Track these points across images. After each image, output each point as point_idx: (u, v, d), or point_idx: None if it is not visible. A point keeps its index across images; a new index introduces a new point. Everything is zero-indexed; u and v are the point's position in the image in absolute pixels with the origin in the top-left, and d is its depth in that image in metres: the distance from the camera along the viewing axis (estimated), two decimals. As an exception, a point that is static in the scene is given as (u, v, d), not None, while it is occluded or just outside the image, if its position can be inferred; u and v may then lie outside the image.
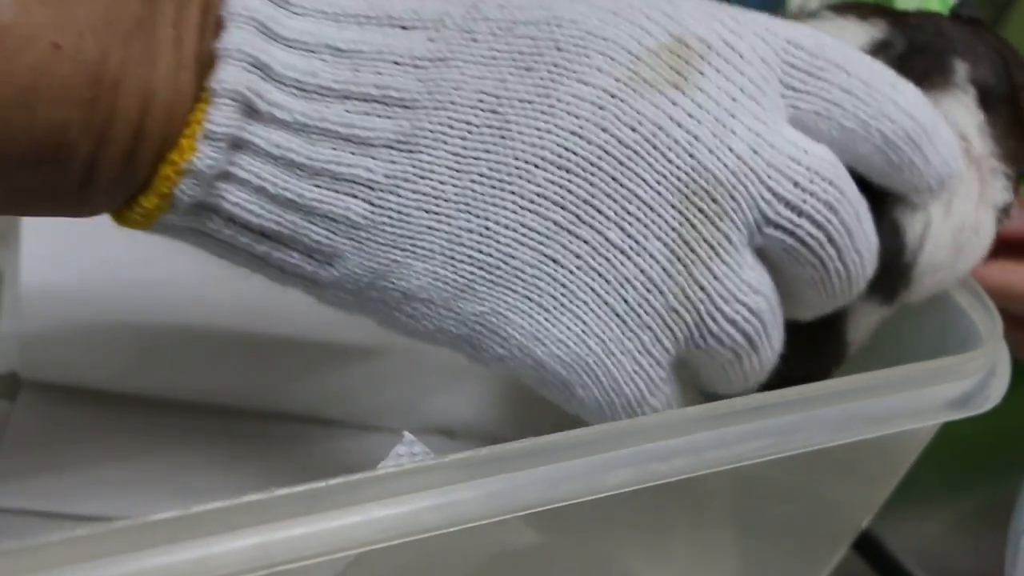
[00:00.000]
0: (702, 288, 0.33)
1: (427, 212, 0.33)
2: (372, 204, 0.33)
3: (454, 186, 0.33)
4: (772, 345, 0.35)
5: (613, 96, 0.33)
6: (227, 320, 0.48)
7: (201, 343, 0.48)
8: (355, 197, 0.33)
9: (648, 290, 0.33)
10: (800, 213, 0.33)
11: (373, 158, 0.33)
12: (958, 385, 0.36)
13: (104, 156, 0.31)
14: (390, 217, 0.33)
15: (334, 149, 0.32)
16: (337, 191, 0.33)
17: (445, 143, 0.33)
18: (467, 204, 0.33)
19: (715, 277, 0.33)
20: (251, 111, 0.32)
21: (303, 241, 0.33)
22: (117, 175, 0.32)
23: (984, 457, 0.56)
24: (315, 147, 0.32)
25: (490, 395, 0.49)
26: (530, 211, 0.33)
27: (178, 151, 0.32)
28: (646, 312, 0.34)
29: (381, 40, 0.33)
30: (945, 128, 0.35)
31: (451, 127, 0.33)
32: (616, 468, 0.32)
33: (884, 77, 0.34)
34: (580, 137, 0.33)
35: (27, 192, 0.32)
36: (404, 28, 0.33)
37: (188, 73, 0.32)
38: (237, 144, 0.32)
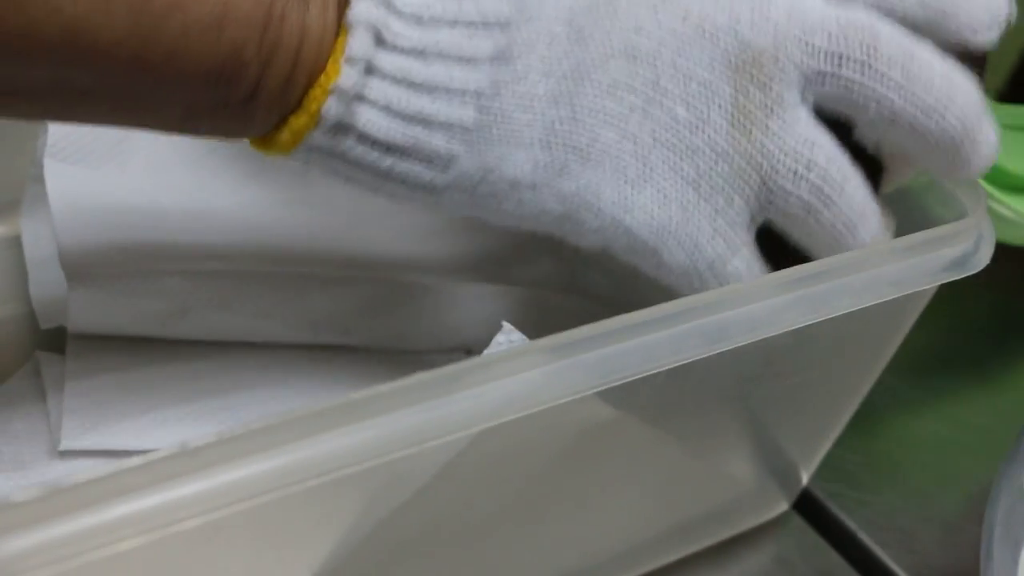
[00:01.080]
0: (762, 147, 0.38)
1: (525, 109, 0.38)
2: (480, 110, 0.37)
3: (545, 85, 0.37)
4: (848, 199, 0.39)
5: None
6: (260, 260, 0.50)
7: (237, 284, 0.50)
8: (466, 105, 0.37)
9: (715, 157, 0.38)
10: (840, 57, 0.38)
11: (478, 71, 0.37)
12: (954, 249, 0.41)
13: (269, 77, 0.36)
14: (496, 118, 0.37)
15: (446, 68, 0.37)
16: (451, 102, 0.37)
17: (535, 51, 0.37)
18: (556, 98, 0.38)
19: (773, 135, 0.38)
20: (380, 40, 0.36)
21: (424, 150, 0.38)
22: (277, 95, 0.36)
23: (961, 454, 0.59)
24: (431, 68, 0.37)
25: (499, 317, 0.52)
26: (608, 97, 0.38)
27: (325, 75, 0.36)
28: (716, 176, 0.38)
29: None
30: None
31: (538, 37, 0.37)
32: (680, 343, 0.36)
33: None
34: (641, 31, 0.38)
35: (202, 107, 0.36)
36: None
37: (332, 11, 0.36)
38: (369, 69, 0.37)
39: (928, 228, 0.41)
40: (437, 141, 0.38)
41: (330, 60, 0.36)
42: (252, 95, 0.36)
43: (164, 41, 0.34)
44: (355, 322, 0.52)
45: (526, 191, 0.39)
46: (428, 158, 0.38)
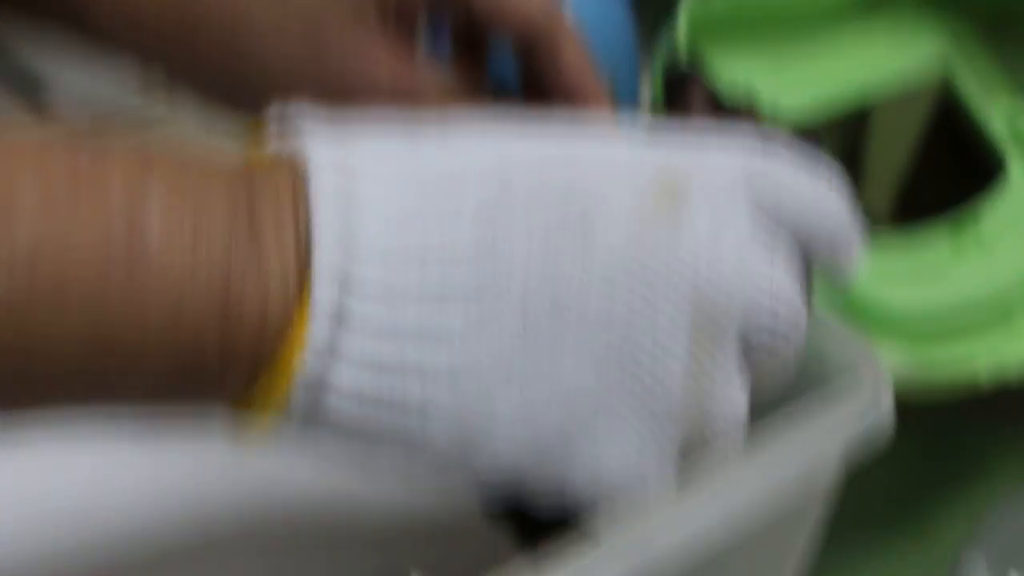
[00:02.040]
0: (708, 410, 0.38)
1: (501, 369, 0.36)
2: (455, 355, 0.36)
3: (522, 342, 0.36)
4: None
5: (626, 243, 0.36)
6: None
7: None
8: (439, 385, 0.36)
9: (670, 415, 0.37)
10: (774, 332, 0.38)
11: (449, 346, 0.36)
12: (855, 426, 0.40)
13: (231, 367, 0.34)
14: (475, 362, 0.36)
15: (416, 347, 0.35)
16: (423, 383, 0.36)
17: (507, 324, 0.36)
18: (529, 373, 0.36)
19: (717, 396, 0.38)
20: (343, 321, 0.35)
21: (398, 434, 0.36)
22: (241, 386, 0.35)
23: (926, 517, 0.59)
24: (400, 349, 0.35)
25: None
26: (588, 342, 0.36)
27: (287, 363, 0.35)
28: (671, 429, 0.37)
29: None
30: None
31: (509, 296, 0.36)
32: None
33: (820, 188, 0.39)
34: (614, 299, 0.36)
35: (163, 398, 0.35)
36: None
37: (292, 286, 0.35)
38: (334, 352, 0.35)
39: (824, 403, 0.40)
40: (416, 392, 0.36)
41: (295, 349, 0.35)
42: (215, 385, 0.35)
43: (121, 342, 0.33)
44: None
45: (501, 440, 0.37)
46: (406, 410, 0.36)
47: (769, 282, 0.38)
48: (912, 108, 0.73)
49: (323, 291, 0.34)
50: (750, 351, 0.38)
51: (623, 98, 0.63)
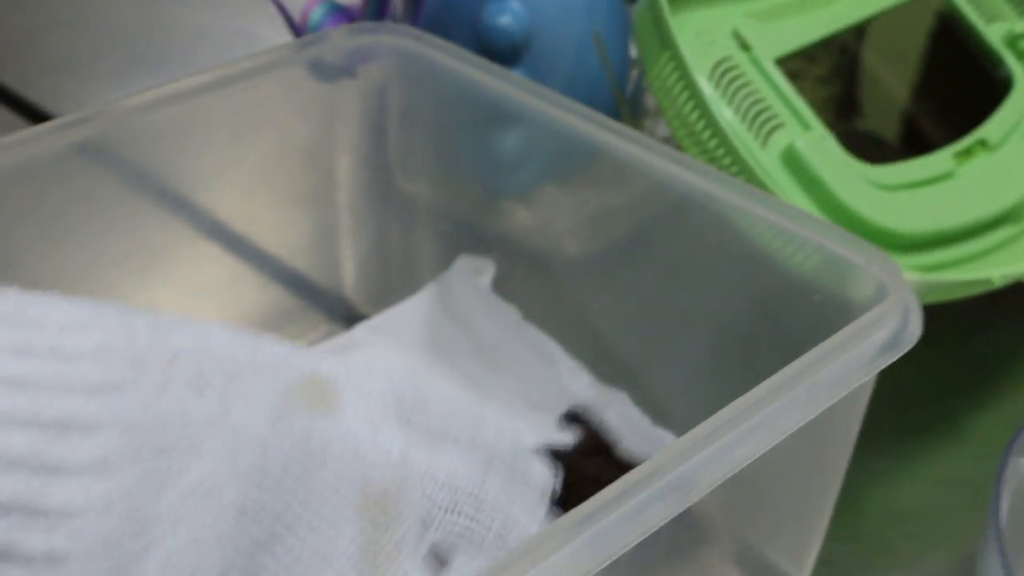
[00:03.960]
0: None
1: (136, 537, 0.32)
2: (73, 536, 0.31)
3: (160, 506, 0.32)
4: None
5: (280, 417, 0.35)
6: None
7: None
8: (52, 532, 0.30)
9: None
10: (452, 510, 0.38)
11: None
12: (883, 332, 0.41)
13: None
14: (96, 546, 0.31)
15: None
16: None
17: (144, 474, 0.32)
18: (176, 520, 0.33)
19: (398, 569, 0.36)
20: None
21: None
22: None
23: (948, 514, 0.59)
24: None
25: None
26: (231, 525, 0.33)
27: None
28: None
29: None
30: None
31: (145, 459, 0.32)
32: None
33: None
34: (265, 451, 0.34)
35: None
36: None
37: None
38: None
39: (853, 314, 0.41)
40: None
41: None
42: None
43: None
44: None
45: None
46: None
47: (435, 468, 0.38)
48: (912, 21, 0.73)
49: None
50: (440, 533, 0.38)
51: (611, 56, 0.64)
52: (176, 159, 0.56)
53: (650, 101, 0.68)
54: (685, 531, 0.40)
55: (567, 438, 0.49)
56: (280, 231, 0.62)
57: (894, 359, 0.41)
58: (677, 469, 0.35)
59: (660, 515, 0.35)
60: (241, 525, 0.33)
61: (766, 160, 0.58)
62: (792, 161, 0.58)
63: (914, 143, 0.73)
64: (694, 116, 0.59)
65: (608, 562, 0.33)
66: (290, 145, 0.60)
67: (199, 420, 0.33)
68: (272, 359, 0.36)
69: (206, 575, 0.33)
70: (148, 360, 0.33)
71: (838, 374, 0.39)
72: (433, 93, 0.59)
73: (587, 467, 0.48)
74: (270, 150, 0.59)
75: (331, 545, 0.35)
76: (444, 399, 0.41)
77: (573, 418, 0.53)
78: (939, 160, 0.62)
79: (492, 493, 0.39)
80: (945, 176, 0.62)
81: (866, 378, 0.40)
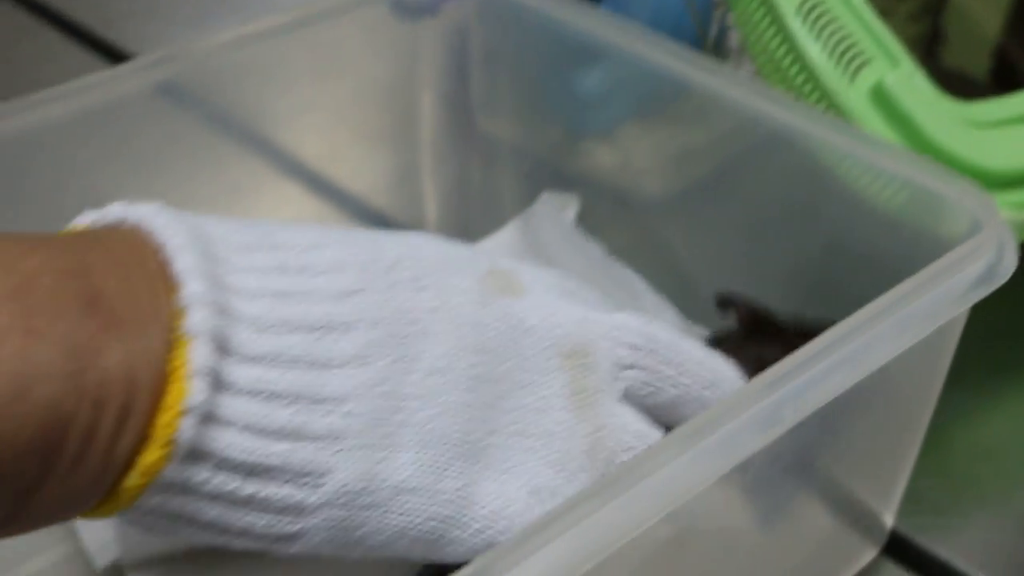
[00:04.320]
0: (600, 424, 0.40)
1: (395, 410, 0.37)
2: (348, 416, 0.36)
3: (409, 385, 0.37)
4: None
5: (483, 302, 0.39)
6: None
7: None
8: (331, 413, 0.36)
9: (566, 438, 0.39)
10: (634, 363, 0.41)
11: (339, 376, 0.36)
12: (978, 265, 0.40)
13: (102, 420, 0.32)
14: (367, 423, 0.36)
15: (304, 374, 0.35)
16: (315, 411, 0.35)
17: (390, 352, 0.37)
18: (422, 396, 0.37)
19: (607, 413, 0.40)
20: (225, 350, 0.34)
21: (293, 467, 0.35)
22: (115, 436, 0.32)
23: None
24: (288, 375, 0.35)
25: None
26: (469, 392, 0.38)
27: (170, 398, 0.33)
28: (573, 456, 0.39)
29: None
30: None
31: (389, 339, 0.37)
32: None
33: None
34: (480, 328, 0.39)
35: (30, 483, 0.31)
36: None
37: (158, 330, 0.33)
38: (219, 384, 0.34)
39: (945, 249, 0.41)
40: (308, 454, 0.35)
41: (172, 381, 0.33)
42: (83, 451, 0.32)
43: None
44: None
45: (409, 496, 0.37)
46: (298, 474, 0.35)
47: (618, 319, 0.41)
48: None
49: (200, 354, 0.33)
50: (633, 384, 0.41)
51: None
52: (258, 99, 0.56)
53: (733, 41, 0.67)
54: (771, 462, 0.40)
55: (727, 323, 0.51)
56: (362, 171, 0.62)
57: (988, 292, 0.41)
58: (768, 398, 0.35)
59: (749, 446, 0.35)
60: (474, 391, 0.38)
61: (854, 97, 0.57)
62: (881, 98, 0.57)
63: (1004, 80, 0.71)
64: (781, 51, 0.58)
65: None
66: (372, 85, 0.60)
67: (426, 310, 0.38)
68: (462, 257, 0.41)
69: (453, 437, 0.38)
70: (374, 268, 0.38)
71: (930, 306, 0.39)
72: (515, 31, 0.59)
73: (748, 348, 0.48)
74: (351, 90, 0.59)
75: (547, 395, 0.40)
76: (593, 289, 0.45)
77: (725, 303, 0.53)
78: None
79: (665, 345, 0.42)
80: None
81: (959, 311, 0.40)
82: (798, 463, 0.43)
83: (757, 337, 0.50)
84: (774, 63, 0.58)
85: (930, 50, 0.75)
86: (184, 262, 0.34)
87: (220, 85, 0.54)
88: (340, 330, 0.36)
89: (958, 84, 0.66)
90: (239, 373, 0.34)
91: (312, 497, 0.35)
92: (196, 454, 0.33)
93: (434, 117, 0.62)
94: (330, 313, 0.36)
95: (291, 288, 0.36)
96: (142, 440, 0.32)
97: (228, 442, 0.34)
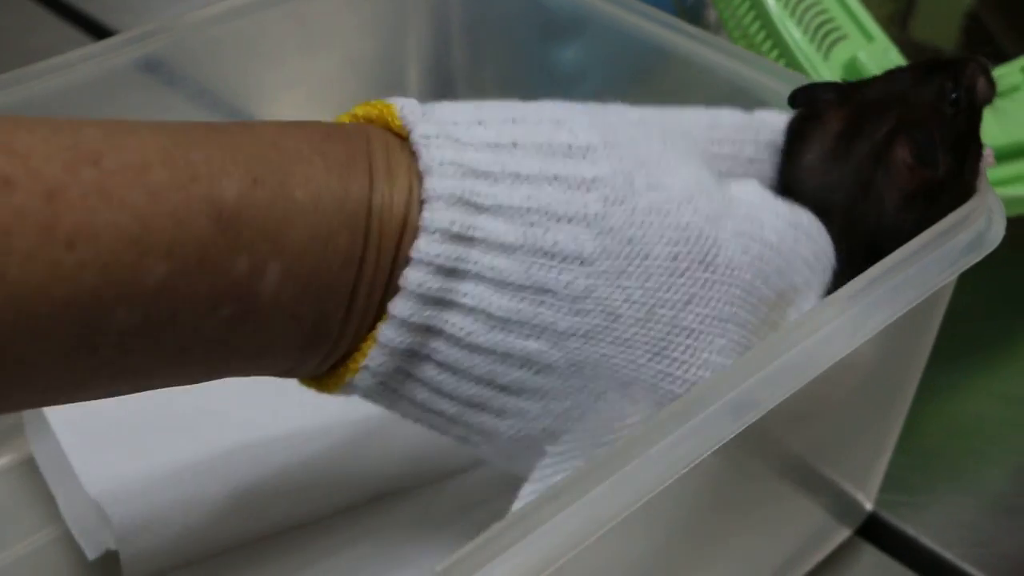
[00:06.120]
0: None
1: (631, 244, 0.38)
2: (599, 234, 0.37)
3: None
4: None
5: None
6: (278, 445, 0.50)
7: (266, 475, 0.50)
8: (588, 228, 0.38)
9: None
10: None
11: (591, 194, 0.38)
12: (968, 232, 0.41)
13: (364, 274, 0.36)
14: (615, 236, 0.38)
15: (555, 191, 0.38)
16: (567, 233, 0.37)
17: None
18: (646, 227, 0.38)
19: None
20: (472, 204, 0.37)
21: (559, 251, 0.37)
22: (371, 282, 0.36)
23: (1006, 429, 0.59)
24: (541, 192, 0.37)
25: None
26: (683, 232, 0.38)
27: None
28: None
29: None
30: None
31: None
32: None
33: None
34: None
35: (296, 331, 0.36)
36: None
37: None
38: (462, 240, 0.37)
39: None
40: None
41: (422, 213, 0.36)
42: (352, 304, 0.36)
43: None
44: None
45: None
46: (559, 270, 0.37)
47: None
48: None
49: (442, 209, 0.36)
50: None
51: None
52: (243, 74, 0.56)
53: (712, 16, 0.68)
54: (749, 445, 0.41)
55: None
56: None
57: (978, 259, 0.41)
58: (748, 381, 0.35)
59: (724, 431, 0.35)
60: (683, 231, 0.38)
61: (828, 72, 0.58)
62: (855, 73, 0.58)
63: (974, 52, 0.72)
64: (755, 27, 0.58)
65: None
66: (357, 59, 0.60)
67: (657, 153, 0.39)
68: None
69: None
70: (607, 132, 0.39)
71: (922, 274, 0.39)
72: (497, 3, 0.58)
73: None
74: (336, 64, 0.59)
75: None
76: None
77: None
78: (1007, 73, 0.62)
79: None
80: (1013, 89, 0.61)
81: (950, 278, 0.40)
82: (786, 434, 0.43)
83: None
84: (748, 38, 0.58)
85: (904, 25, 0.76)
86: (424, 131, 0.37)
87: (205, 60, 0.54)
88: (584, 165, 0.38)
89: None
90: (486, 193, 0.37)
91: (579, 275, 0.37)
92: (438, 303, 0.36)
93: (419, 91, 0.62)
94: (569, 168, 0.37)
95: (533, 143, 0.38)
96: (401, 262, 0.36)
97: (469, 293, 0.37)
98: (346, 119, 0.39)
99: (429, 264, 0.36)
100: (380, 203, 0.36)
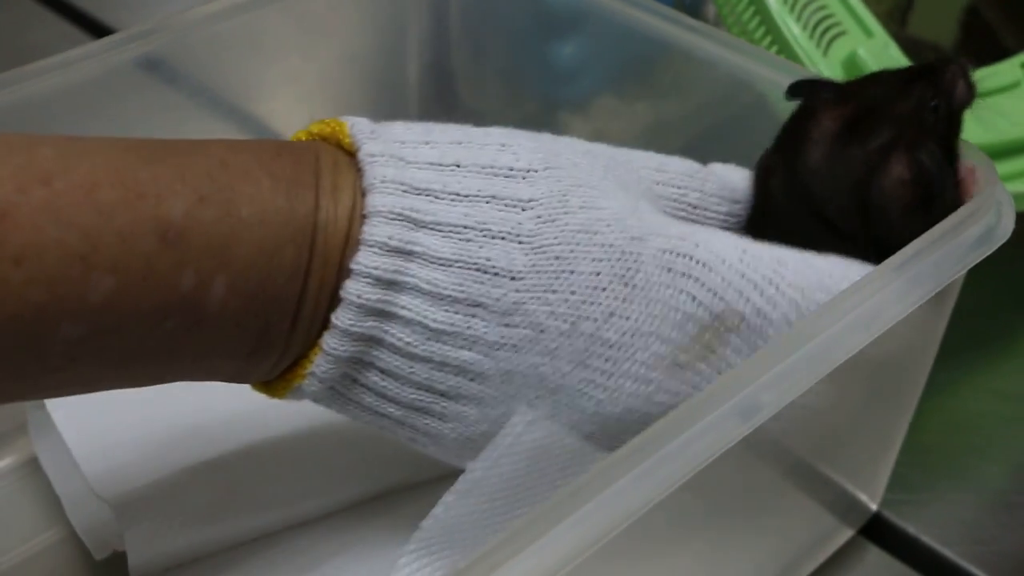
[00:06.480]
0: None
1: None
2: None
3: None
4: None
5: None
6: (284, 442, 0.50)
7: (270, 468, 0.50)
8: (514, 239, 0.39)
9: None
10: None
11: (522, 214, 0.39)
12: (978, 226, 0.41)
13: (308, 289, 0.37)
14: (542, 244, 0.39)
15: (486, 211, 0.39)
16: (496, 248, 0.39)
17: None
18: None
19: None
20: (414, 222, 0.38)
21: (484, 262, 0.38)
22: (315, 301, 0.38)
23: (1005, 426, 0.59)
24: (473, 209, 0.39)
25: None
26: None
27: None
28: None
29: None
30: None
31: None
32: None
33: None
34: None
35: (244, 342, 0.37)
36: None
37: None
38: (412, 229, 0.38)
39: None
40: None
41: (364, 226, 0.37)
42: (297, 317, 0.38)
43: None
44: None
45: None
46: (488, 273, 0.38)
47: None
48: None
49: (384, 228, 0.37)
50: None
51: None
52: (242, 72, 0.56)
53: (711, 12, 0.68)
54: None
55: None
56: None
57: (987, 253, 0.41)
58: (756, 382, 0.35)
59: (724, 437, 0.34)
60: (607, 249, 0.39)
61: (828, 68, 0.58)
62: (854, 69, 0.58)
63: (971, 48, 0.72)
64: (754, 23, 0.58)
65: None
66: (356, 55, 0.59)
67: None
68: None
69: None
70: (550, 158, 0.40)
71: (933, 268, 0.39)
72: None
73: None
74: (336, 61, 0.59)
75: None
76: None
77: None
78: (1006, 70, 0.61)
79: None
80: (1012, 86, 0.61)
81: (960, 272, 0.40)
82: (786, 443, 0.43)
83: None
84: (748, 34, 0.58)
85: (904, 20, 0.76)
86: (371, 149, 0.38)
87: (204, 58, 0.54)
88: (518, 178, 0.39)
89: (927, 54, 0.67)
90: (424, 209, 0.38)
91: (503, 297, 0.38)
92: (379, 313, 0.38)
93: (418, 88, 0.62)
94: (510, 163, 0.39)
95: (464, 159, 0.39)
96: (344, 274, 0.37)
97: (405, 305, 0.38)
98: (302, 136, 0.41)
99: (368, 276, 0.37)
100: (325, 218, 0.37)
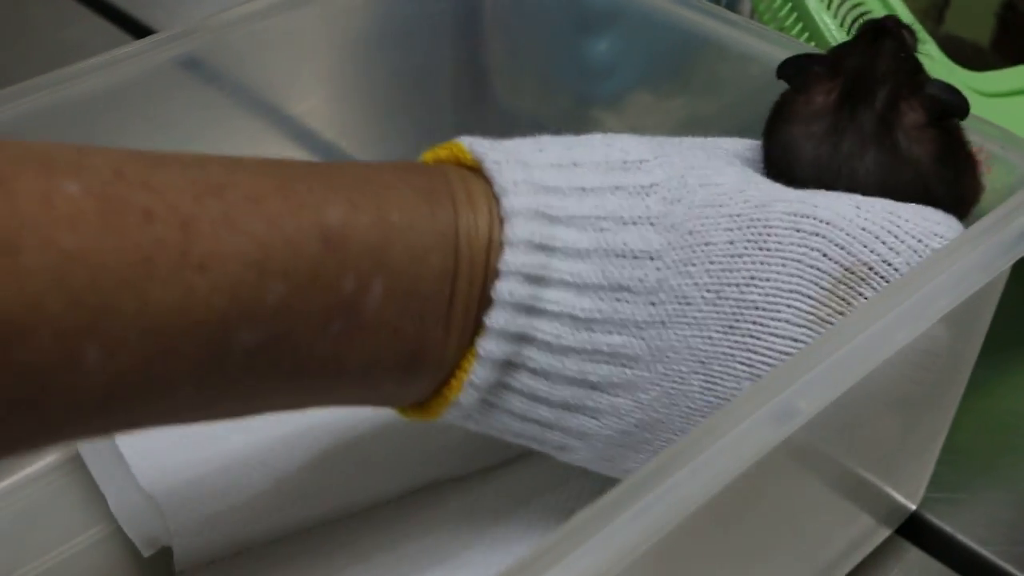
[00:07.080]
0: None
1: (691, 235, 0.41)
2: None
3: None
4: None
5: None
6: (326, 435, 0.50)
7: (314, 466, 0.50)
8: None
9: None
10: None
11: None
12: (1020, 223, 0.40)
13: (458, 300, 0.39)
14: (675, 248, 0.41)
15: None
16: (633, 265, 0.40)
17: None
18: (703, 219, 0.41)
19: None
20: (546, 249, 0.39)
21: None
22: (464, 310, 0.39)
23: None
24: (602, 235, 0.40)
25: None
26: (719, 212, 0.41)
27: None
28: None
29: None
30: None
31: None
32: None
33: None
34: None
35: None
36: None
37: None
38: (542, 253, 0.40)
39: (994, 203, 0.42)
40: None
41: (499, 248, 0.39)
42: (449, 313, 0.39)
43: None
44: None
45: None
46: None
47: None
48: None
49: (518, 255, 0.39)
50: None
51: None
52: (278, 72, 0.56)
53: (746, 8, 0.68)
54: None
55: None
56: (379, 143, 0.62)
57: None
58: (809, 374, 0.35)
59: (772, 436, 0.34)
60: (736, 219, 0.41)
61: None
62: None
63: (1006, 47, 0.71)
64: (791, 20, 0.58)
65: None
66: (391, 55, 0.60)
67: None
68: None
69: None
70: (655, 148, 0.42)
71: (982, 258, 0.39)
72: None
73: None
74: (370, 60, 0.59)
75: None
76: None
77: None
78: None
79: None
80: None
81: (1008, 264, 0.40)
82: (826, 446, 0.43)
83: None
84: (785, 31, 0.58)
85: (940, 18, 0.76)
86: (495, 157, 0.40)
87: (241, 58, 0.54)
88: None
89: (966, 53, 0.66)
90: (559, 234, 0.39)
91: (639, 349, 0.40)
92: (520, 337, 0.39)
93: (453, 85, 0.62)
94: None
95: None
96: (490, 277, 0.39)
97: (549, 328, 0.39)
98: (427, 158, 0.42)
99: (517, 274, 0.39)
100: (466, 224, 0.39)
